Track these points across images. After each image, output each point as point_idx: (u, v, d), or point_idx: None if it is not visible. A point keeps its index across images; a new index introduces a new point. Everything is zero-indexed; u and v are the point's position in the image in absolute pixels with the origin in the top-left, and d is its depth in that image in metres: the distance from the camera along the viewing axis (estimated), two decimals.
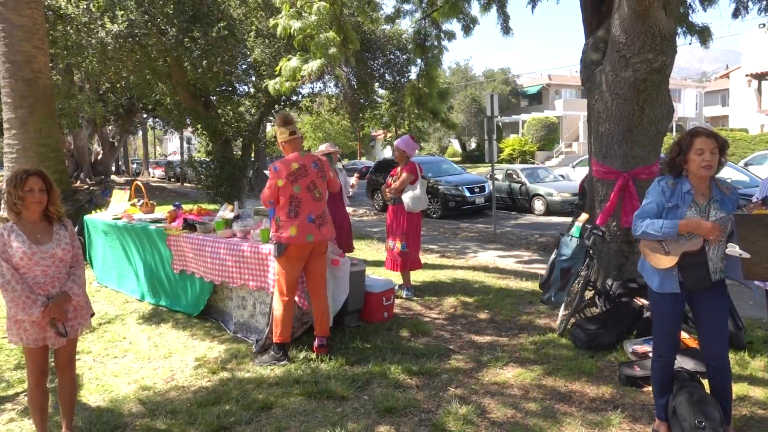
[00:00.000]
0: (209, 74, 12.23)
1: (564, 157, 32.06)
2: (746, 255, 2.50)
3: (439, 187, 14.54)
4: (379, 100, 22.55)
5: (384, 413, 3.61)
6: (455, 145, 46.55)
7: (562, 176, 17.10)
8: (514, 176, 15.69)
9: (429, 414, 3.60)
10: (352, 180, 6.90)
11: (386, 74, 19.84)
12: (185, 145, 34.00)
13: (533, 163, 30.12)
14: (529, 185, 15.15)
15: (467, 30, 9.94)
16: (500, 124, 37.71)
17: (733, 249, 2.55)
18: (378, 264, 7.55)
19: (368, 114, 23.52)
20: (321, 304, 4.55)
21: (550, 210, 14.33)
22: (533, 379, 4.10)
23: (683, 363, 3.74)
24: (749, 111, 32.29)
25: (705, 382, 3.31)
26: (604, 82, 5.08)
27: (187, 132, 28.72)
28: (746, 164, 15.95)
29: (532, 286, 6.59)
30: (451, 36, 10.50)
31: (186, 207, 6.61)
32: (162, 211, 6.88)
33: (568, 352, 4.56)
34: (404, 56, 19.00)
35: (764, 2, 8.51)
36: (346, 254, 5.67)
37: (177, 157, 39.28)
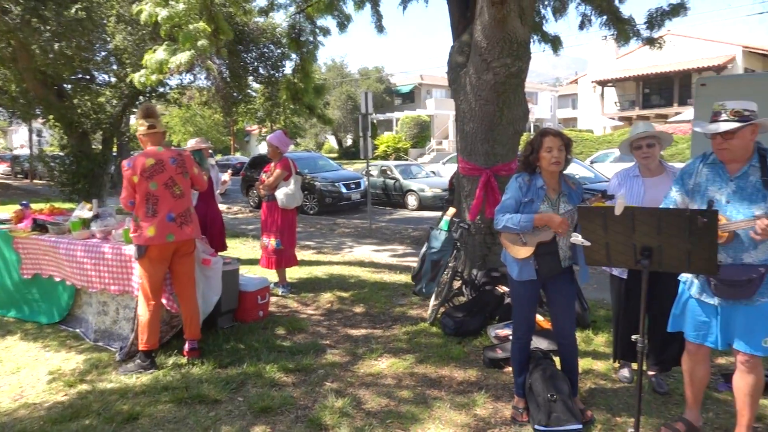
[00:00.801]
0: (62, 60, 11.12)
1: (435, 154, 33.45)
2: (587, 243, 2.79)
3: (315, 183, 14.52)
4: (253, 94, 21.94)
5: (259, 413, 3.56)
6: (332, 142, 46.71)
7: (434, 173, 17.86)
8: (389, 173, 16.11)
9: (305, 410, 3.61)
10: (225, 176, 6.68)
11: (260, 68, 19.35)
12: (35, 137, 30.69)
13: (407, 159, 31.10)
14: (402, 181, 15.63)
15: (342, 27, 10.01)
16: (375, 121, 38.43)
17: (576, 238, 2.84)
18: (253, 262, 7.39)
19: (242, 108, 22.81)
20: (190, 306, 4.37)
21: (422, 205, 14.90)
22: (406, 367, 4.26)
23: (538, 343, 4.09)
24: (595, 114, 35.87)
25: (557, 359, 3.65)
26: (468, 84, 5.39)
27: (37, 123, 25.93)
28: (591, 162, 17.73)
29: (406, 278, 6.83)
30: (326, 32, 10.51)
31: (36, 206, 5.99)
32: (6, 212, 6.18)
33: (438, 340, 4.80)
34: (279, 50, 18.67)
35: (605, 17, 9.51)
36: (219, 253, 5.49)
37: (25, 151, 35.35)
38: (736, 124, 2.78)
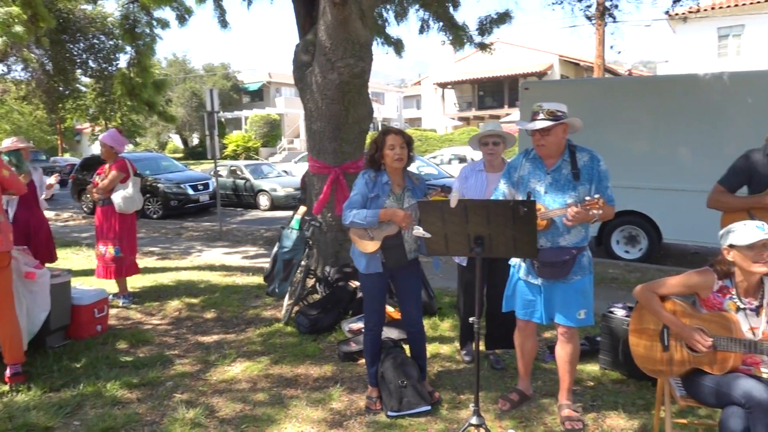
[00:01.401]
0: None
1: (287, 153, 33.14)
2: (428, 235, 2.98)
3: (158, 185, 13.65)
4: (82, 89, 20.01)
5: None
6: (176, 141, 44.12)
7: (286, 172, 17.70)
8: (239, 173, 15.65)
9: (153, 426, 3.40)
10: (50, 180, 6.02)
11: (90, 60, 17.70)
12: None
13: (257, 159, 30.43)
14: (253, 181, 15.28)
15: (182, 20, 9.53)
16: (223, 119, 37.04)
17: (418, 230, 3.01)
18: (88, 273, 6.76)
19: (70, 104, 20.70)
20: (8, 327, 3.87)
21: (275, 205, 14.70)
22: (261, 370, 4.20)
23: (389, 333, 4.27)
24: (437, 114, 38.06)
25: (407, 347, 3.84)
26: (314, 83, 5.43)
27: None
28: (434, 159, 18.80)
29: (259, 280, 6.70)
30: (164, 24, 9.92)
31: None
32: None
33: (293, 339, 4.79)
34: (111, 42, 17.23)
35: (441, 23, 10.14)
36: (46, 265, 4.94)
37: None
38: (550, 123, 3.13)
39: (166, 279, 6.99)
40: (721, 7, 23.86)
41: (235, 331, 5.09)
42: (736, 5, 23.68)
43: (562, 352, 3.37)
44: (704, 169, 3.64)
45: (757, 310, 2.58)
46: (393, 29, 11.74)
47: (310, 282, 5.64)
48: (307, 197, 6.29)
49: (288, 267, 5.04)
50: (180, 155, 38.28)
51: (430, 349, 4.46)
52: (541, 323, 3.39)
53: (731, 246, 2.54)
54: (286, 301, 5.26)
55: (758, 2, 23.16)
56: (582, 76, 32.63)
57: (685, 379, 2.78)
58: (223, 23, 9.45)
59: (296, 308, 5.23)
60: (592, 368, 4.10)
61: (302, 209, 5.31)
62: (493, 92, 35.53)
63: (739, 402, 2.43)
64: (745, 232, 2.48)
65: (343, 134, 5.49)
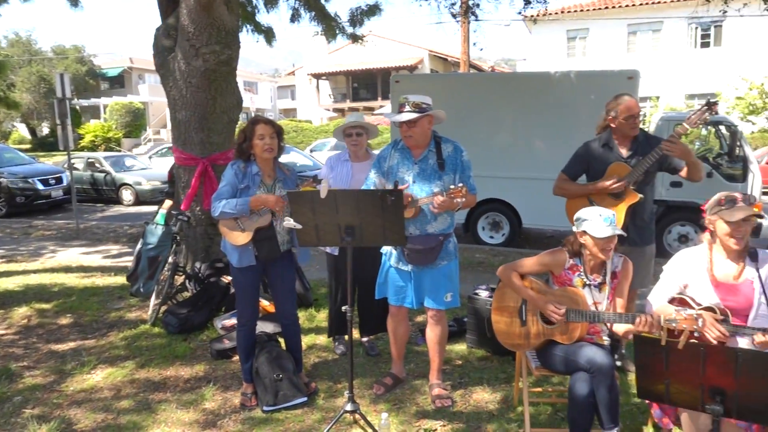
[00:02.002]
0: None
1: (153, 144, 31.13)
2: (298, 226, 2.96)
3: (1, 180, 12.20)
4: None
5: None
6: (22, 131, 39.62)
7: (151, 164, 16.62)
8: (97, 165, 14.43)
9: None
10: None
11: None
12: None
13: (119, 150, 28.25)
14: (114, 174, 14.17)
15: None
16: (78, 107, 33.88)
17: (288, 222, 2.98)
18: None
19: None
20: None
21: (140, 199, 13.77)
22: (125, 375, 3.93)
23: (264, 327, 4.19)
24: (312, 105, 37.81)
25: (283, 340, 3.80)
26: (177, 69, 5.15)
27: None
28: (311, 150, 18.71)
29: (122, 280, 6.24)
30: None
31: None
32: None
33: (161, 341, 4.54)
34: None
35: (313, 12, 10.05)
36: None
37: None
38: (416, 114, 3.24)
39: (12, 284, 6.28)
40: (569, 11, 26.12)
41: (95, 336, 4.71)
42: (582, 10, 26.06)
43: (432, 334, 3.53)
44: (556, 159, 3.99)
45: (599, 286, 2.89)
46: (263, 17, 11.45)
47: (179, 279, 5.37)
48: (175, 191, 5.96)
49: (153, 264, 4.76)
50: (27, 146, 34.44)
51: (307, 340, 4.46)
52: (412, 308, 3.52)
53: (584, 232, 2.80)
54: (153, 301, 4.96)
55: (600, 9, 25.69)
56: (450, 70, 34.12)
57: (539, 352, 3.03)
58: (74, 2, 8.62)
59: (164, 308, 4.95)
60: (461, 348, 4.34)
61: (168, 203, 5.03)
62: (367, 84, 36.03)
63: (585, 368, 2.71)
64: (599, 225, 2.75)
65: (210, 124, 5.26)
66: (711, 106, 3.32)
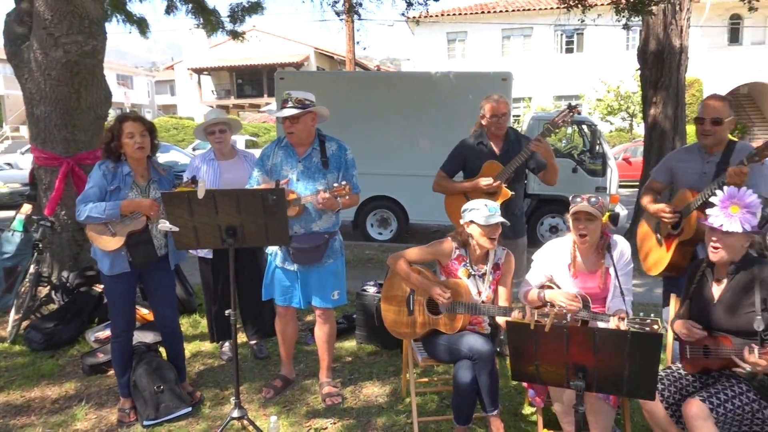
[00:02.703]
0: None
1: (11, 142, 28.14)
2: (175, 228, 2.81)
3: None
4: None
5: None
6: None
7: (10, 164, 15.05)
8: None
9: None
10: None
11: None
12: None
13: None
14: None
15: None
16: None
17: (164, 224, 2.83)
18: None
19: None
20: None
21: None
22: None
23: (142, 337, 3.93)
24: (194, 101, 36.14)
25: (163, 349, 3.60)
26: (33, 60, 4.68)
27: None
28: (193, 149, 17.92)
29: None
30: None
31: None
32: None
33: (24, 359, 4.12)
34: None
35: (190, 5, 9.58)
36: None
37: None
38: (298, 110, 3.21)
39: None
40: (449, 14, 27.19)
41: None
42: (461, 14, 27.25)
43: (320, 332, 3.52)
44: (439, 156, 4.14)
45: (483, 276, 3.03)
46: (136, 6, 10.75)
47: (44, 291, 4.90)
48: (37, 193, 5.42)
49: (11, 276, 4.30)
50: None
51: (191, 347, 4.27)
52: (300, 307, 3.48)
53: (471, 221, 2.92)
54: (12, 316, 4.48)
55: (477, 13, 27.01)
56: (336, 68, 34.20)
57: (424, 342, 3.13)
58: None
59: (26, 323, 4.49)
60: (350, 344, 4.37)
61: (27, 207, 4.57)
62: (252, 81, 35.10)
63: (467, 355, 2.83)
64: (484, 214, 2.88)
65: (75, 120, 4.83)
66: (573, 108, 3.61)
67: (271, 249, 3.48)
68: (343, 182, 3.17)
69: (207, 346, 4.37)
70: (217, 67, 34.11)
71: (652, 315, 2.50)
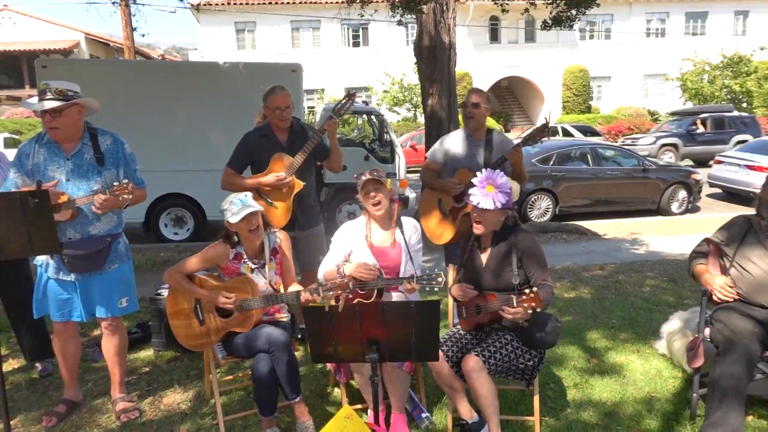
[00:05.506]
0: None
1: None
2: None
3: None
4: None
5: None
6: None
7: None
8: None
9: None
10: None
11: None
12: None
13: None
14: None
15: None
16: None
17: None
18: None
19: None
20: None
21: None
22: None
23: None
24: None
25: None
26: None
27: None
28: None
29: None
30: None
31: None
32: None
33: None
34: None
35: None
36: None
37: None
38: (59, 103, 2.86)
39: None
40: (235, 3, 26.47)
41: None
42: (248, 3, 26.70)
43: (109, 345, 3.23)
44: (232, 150, 4.02)
45: (264, 266, 3.04)
46: None
47: None
48: None
49: None
50: None
51: None
52: (82, 321, 3.15)
53: (228, 221, 2.90)
54: None
55: (264, 4, 26.71)
56: (113, 57, 31.10)
57: (224, 342, 3.05)
58: None
59: None
60: (147, 354, 4.07)
61: None
62: (8, 69, 30.14)
63: (264, 348, 2.82)
64: (232, 210, 2.86)
65: None
66: (351, 96, 3.80)
67: (41, 259, 3.08)
68: (125, 180, 2.93)
69: None
70: None
71: (435, 270, 2.80)
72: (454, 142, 3.87)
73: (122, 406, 3.21)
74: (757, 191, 3.08)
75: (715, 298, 3.00)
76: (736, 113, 19.81)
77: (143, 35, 29.01)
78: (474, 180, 2.81)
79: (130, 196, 2.94)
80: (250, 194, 3.00)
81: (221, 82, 8.04)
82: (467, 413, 2.83)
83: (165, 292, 4.14)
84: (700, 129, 18.41)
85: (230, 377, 3.58)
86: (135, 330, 4.26)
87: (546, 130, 3.58)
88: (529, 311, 2.54)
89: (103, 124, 3.22)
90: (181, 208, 8.24)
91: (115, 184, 2.92)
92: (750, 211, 3.11)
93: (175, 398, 3.42)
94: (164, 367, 3.87)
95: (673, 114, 21.49)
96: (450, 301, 3.18)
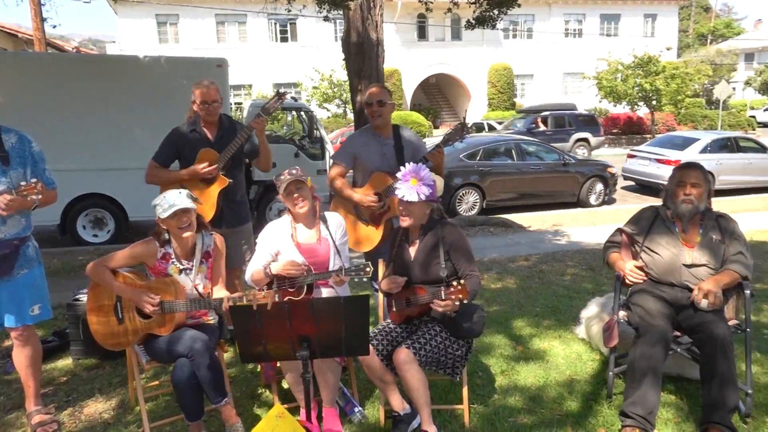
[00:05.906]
0: None
1: None
2: None
3: None
4: None
5: None
6: None
7: None
8: None
9: None
10: None
11: None
12: None
13: None
14: None
15: None
16: None
17: None
18: None
19: None
20: None
21: None
22: None
23: None
24: None
25: None
26: None
27: None
28: None
29: None
30: None
31: None
32: None
33: None
34: None
35: None
36: None
37: None
38: None
39: None
40: None
41: None
42: None
43: (21, 356, 3.03)
44: (155, 147, 3.84)
45: (193, 270, 2.95)
46: None
47: None
48: None
49: None
50: None
51: None
52: None
53: (161, 219, 2.80)
54: None
55: None
56: (23, 49, 29.12)
57: (146, 346, 2.93)
58: None
59: None
60: (65, 363, 3.86)
61: None
62: None
63: (184, 354, 2.71)
64: (164, 206, 2.78)
65: None
66: (281, 95, 3.74)
67: None
68: (33, 180, 2.76)
69: None
70: None
71: (363, 261, 2.82)
72: (361, 144, 3.73)
73: (39, 419, 3.03)
74: (666, 183, 3.31)
75: (627, 281, 3.20)
76: (577, 111, 21.37)
77: (54, 26, 27.36)
78: (399, 174, 2.85)
79: (40, 197, 2.77)
80: (185, 191, 2.89)
81: (142, 77, 7.71)
82: (399, 405, 2.87)
83: (83, 298, 3.94)
84: (541, 127, 19.65)
85: (156, 382, 3.45)
86: (51, 338, 4.03)
87: (465, 129, 3.62)
88: (457, 303, 2.61)
89: (11, 121, 3.02)
90: (100, 209, 7.85)
91: (23, 183, 2.74)
92: (659, 202, 3.33)
93: (97, 407, 3.26)
94: (84, 375, 3.69)
95: (519, 112, 22.91)
96: (381, 296, 3.21)
